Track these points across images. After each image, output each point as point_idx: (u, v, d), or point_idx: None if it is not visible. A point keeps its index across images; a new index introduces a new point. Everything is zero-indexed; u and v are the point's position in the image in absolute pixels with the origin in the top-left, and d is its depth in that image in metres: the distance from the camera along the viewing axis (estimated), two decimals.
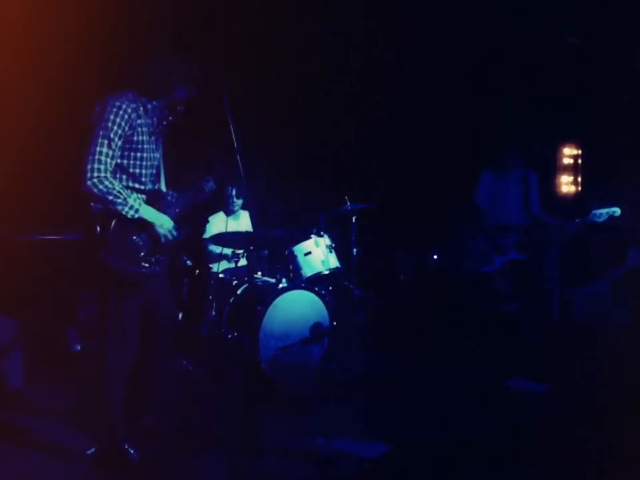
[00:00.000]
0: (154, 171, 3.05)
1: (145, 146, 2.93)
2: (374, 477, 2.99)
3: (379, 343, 5.38)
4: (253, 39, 5.62)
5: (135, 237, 2.89)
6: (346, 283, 5.53)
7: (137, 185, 2.94)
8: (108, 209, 2.79)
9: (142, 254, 2.91)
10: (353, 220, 5.54)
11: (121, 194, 2.79)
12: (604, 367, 4.13)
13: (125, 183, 2.90)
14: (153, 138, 2.99)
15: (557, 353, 4.70)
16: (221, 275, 4.97)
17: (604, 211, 4.84)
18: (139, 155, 2.91)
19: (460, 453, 3.18)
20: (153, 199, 3.02)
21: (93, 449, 3.03)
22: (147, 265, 2.92)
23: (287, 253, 4.96)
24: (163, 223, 2.98)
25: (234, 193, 5.23)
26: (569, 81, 6.08)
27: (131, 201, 2.82)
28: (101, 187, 2.75)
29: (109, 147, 2.78)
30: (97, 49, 4.79)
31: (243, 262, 4.95)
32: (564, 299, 5.46)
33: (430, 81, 6.38)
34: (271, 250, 5.45)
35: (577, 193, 6.74)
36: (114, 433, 2.97)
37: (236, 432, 3.45)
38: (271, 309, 4.34)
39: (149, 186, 3.02)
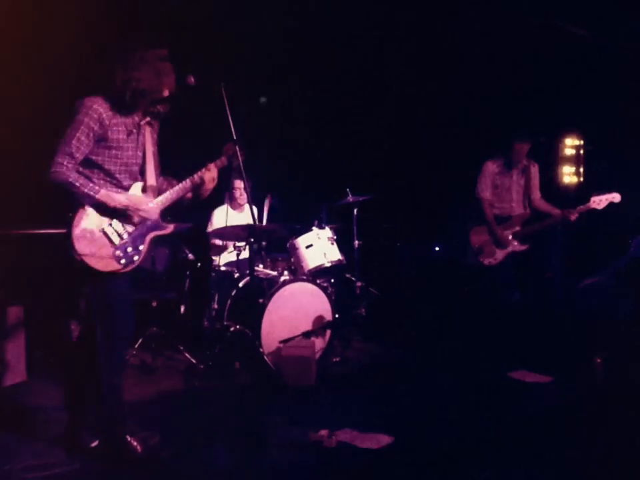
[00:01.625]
0: (133, 169, 3.06)
1: (122, 144, 2.96)
2: (376, 469, 2.99)
3: (381, 335, 5.38)
4: (252, 33, 5.60)
5: (105, 226, 2.92)
6: (348, 276, 5.53)
7: (111, 180, 2.97)
8: (76, 199, 2.85)
9: (117, 242, 2.93)
10: (355, 212, 5.53)
11: (80, 178, 2.84)
12: (607, 357, 4.12)
13: (97, 178, 2.92)
14: (132, 137, 3.01)
15: (559, 344, 4.69)
16: (222, 268, 4.97)
17: (603, 197, 4.81)
18: (113, 152, 2.94)
19: (463, 445, 3.18)
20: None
21: (96, 442, 3.04)
22: (120, 253, 2.93)
23: (288, 245, 4.96)
24: (135, 201, 2.99)
25: (242, 185, 5.20)
26: (571, 71, 6.05)
27: (91, 184, 2.85)
28: (62, 177, 2.80)
29: (73, 145, 2.82)
30: (87, 48, 4.78)
31: (244, 254, 4.94)
32: (566, 289, 5.45)
33: (430, 73, 6.35)
34: (273, 242, 5.45)
35: (579, 184, 6.73)
36: (116, 425, 2.97)
37: (239, 424, 3.46)
38: (273, 301, 4.34)
39: (125, 182, 3.03)
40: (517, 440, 3.23)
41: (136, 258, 2.99)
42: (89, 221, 2.89)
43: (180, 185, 3.17)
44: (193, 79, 3.10)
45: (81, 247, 2.84)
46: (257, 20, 5.55)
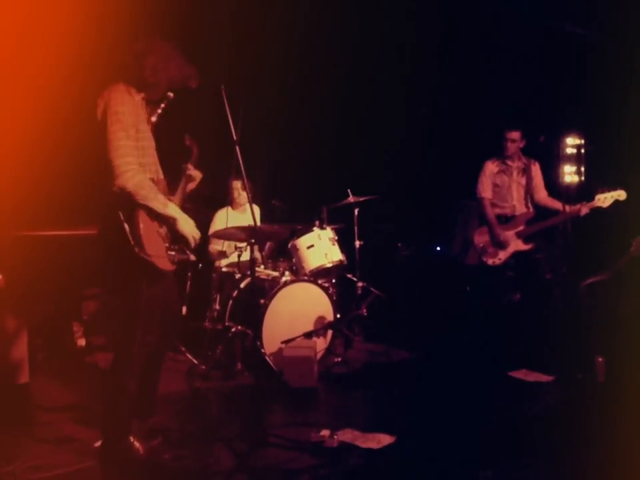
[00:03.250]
0: (155, 160, 3.03)
1: (147, 135, 2.92)
2: (378, 468, 3.00)
3: (382, 335, 5.39)
4: (252, 32, 5.61)
5: (159, 229, 2.91)
6: (349, 276, 5.54)
7: (147, 175, 2.89)
8: (131, 201, 2.74)
9: (167, 243, 2.94)
10: (356, 212, 5.54)
11: (153, 188, 2.79)
12: (608, 356, 4.12)
13: None
14: (148, 126, 2.98)
15: (560, 343, 4.69)
16: (224, 269, 4.98)
17: (608, 194, 4.79)
18: (143, 143, 2.88)
19: (464, 444, 3.19)
20: (162, 188, 3.02)
21: (99, 442, 3.05)
22: (172, 252, 2.95)
23: (289, 246, 4.97)
24: (190, 222, 2.99)
25: (239, 185, 5.20)
26: (571, 70, 6.04)
27: (160, 196, 2.82)
28: (135, 180, 2.70)
29: (127, 138, 2.74)
30: (96, 43, 4.79)
31: (245, 255, 4.95)
32: (568, 288, 5.44)
33: (431, 73, 6.36)
34: (274, 243, 5.45)
35: (580, 183, 6.72)
36: (121, 427, 2.98)
37: (240, 424, 3.47)
38: (274, 302, 4.36)
39: (154, 176, 2.98)
40: (518, 439, 3.23)
41: (183, 256, 3.01)
42: (148, 221, 2.82)
43: (181, 184, 3.17)
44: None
45: (149, 247, 2.76)
46: (257, 21, 5.56)
